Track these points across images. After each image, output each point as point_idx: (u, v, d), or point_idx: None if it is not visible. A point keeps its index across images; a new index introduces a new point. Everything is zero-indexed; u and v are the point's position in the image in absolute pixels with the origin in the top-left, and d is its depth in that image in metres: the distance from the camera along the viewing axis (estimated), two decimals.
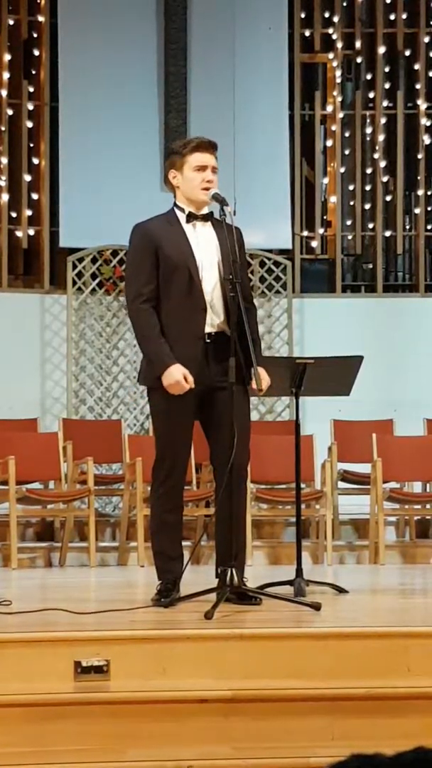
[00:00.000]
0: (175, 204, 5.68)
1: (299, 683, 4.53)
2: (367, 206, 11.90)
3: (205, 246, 5.60)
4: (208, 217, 5.67)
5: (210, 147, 5.65)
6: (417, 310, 11.59)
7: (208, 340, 5.55)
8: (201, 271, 5.55)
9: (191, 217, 5.63)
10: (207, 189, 5.59)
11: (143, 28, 11.34)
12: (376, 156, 11.85)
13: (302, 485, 6.83)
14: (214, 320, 5.56)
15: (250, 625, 4.98)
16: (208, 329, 5.55)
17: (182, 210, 5.65)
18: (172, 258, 5.53)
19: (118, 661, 4.52)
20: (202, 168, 5.61)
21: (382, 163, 11.84)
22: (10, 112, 11.38)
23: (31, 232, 11.44)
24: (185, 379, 5.45)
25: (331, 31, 11.93)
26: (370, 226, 11.87)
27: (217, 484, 5.63)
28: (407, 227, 11.92)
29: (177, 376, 5.45)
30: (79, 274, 11.15)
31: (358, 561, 9.45)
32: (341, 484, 9.97)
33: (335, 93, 11.90)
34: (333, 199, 11.91)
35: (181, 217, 5.64)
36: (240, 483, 5.57)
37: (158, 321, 5.53)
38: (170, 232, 5.59)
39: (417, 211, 11.87)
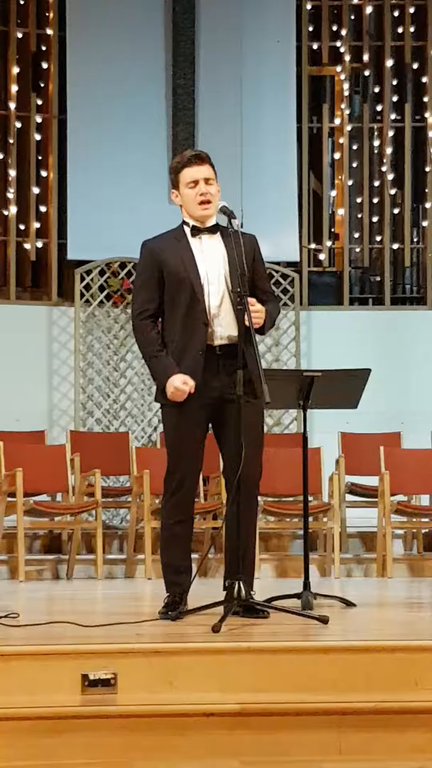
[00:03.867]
0: (183, 220, 5.71)
1: (306, 697, 4.52)
2: (375, 219, 11.90)
3: (211, 259, 5.61)
4: (215, 229, 5.67)
5: (199, 160, 5.63)
6: (425, 322, 11.58)
7: (220, 352, 5.56)
8: (206, 285, 5.57)
9: (196, 231, 5.65)
10: (204, 203, 5.60)
11: (151, 41, 11.36)
12: (383, 169, 11.85)
13: (310, 498, 6.82)
14: (222, 333, 5.57)
15: (258, 639, 4.97)
16: (217, 342, 5.57)
17: (188, 225, 5.67)
18: (175, 274, 5.57)
19: (126, 674, 4.51)
20: (194, 183, 5.61)
21: (390, 176, 11.85)
22: (18, 124, 11.40)
23: (39, 244, 11.45)
24: (186, 384, 5.49)
25: (338, 44, 11.94)
26: (378, 238, 11.88)
27: (228, 497, 5.63)
28: (415, 240, 11.92)
29: (175, 383, 5.51)
30: (87, 287, 11.16)
31: (365, 574, 9.43)
32: (349, 497, 9.95)
33: (343, 106, 11.91)
34: (340, 211, 11.91)
35: (188, 232, 5.66)
36: (250, 496, 5.57)
37: (159, 335, 5.63)
38: (176, 247, 5.61)
39: (425, 223, 11.87)
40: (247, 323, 5.44)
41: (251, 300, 5.50)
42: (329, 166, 12.00)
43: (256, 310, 5.50)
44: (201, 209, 5.60)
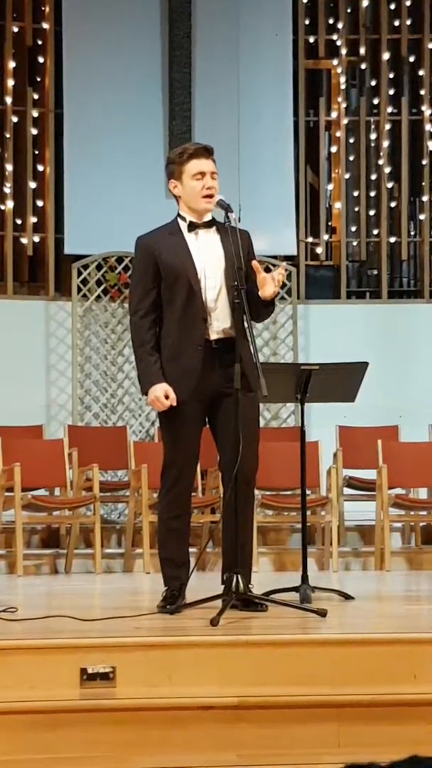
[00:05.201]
0: (178, 213, 5.69)
1: (305, 690, 4.52)
2: (372, 212, 11.90)
3: (207, 254, 5.60)
4: (211, 224, 5.67)
5: (207, 152, 5.63)
6: (422, 316, 11.58)
7: (216, 346, 5.56)
8: (203, 280, 5.57)
9: (193, 226, 5.64)
10: (208, 196, 5.59)
11: (147, 35, 11.35)
12: (380, 162, 11.85)
13: (307, 492, 6.83)
14: (219, 327, 5.58)
15: (256, 632, 4.98)
16: (214, 336, 5.57)
17: (184, 219, 5.66)
18: (172, 269, 5.56)
19: (124, 668, 4.52)
20: (201, 175, 5.60)
21: (387, 169, 11.84)
22: (14, 119, 11.39)
23: (36, 239, 11.44)
24: (167, 396, 5.51)
25: (335, 37, 11.93)
26: (375, 232, 11.87)
27: (225, 490, 5.63)
28: (412, 233, 11.92)
29: (157, 393, 5.53)
30: (84, 281, 11.15)
31: (363, 567, 9.43)
32: (347, 491, 9.96)
33: (340, 99, 11.91)
34: (338, 205, 11.91)
35: (183, 226, 5.65)
36: (247, 490, 5.57)
37: (155, 335, 5.62)
38: (171, 243, 5.60)
39: (422, 217, 11.87)
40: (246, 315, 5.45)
41: (283, 265, 5.50)
42: (326, 159, 12.00)
43: (281, 274, 5.50)
44: (205, 202, 5.59)
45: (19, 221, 11.39)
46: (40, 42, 11.58)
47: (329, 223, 11.95)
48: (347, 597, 6.23)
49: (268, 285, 5.50)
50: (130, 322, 5.73)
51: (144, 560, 8.94)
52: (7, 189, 11.29)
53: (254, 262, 5.53)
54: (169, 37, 11.33)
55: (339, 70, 11.93)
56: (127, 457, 9.68)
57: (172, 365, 5.59)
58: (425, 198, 11.83)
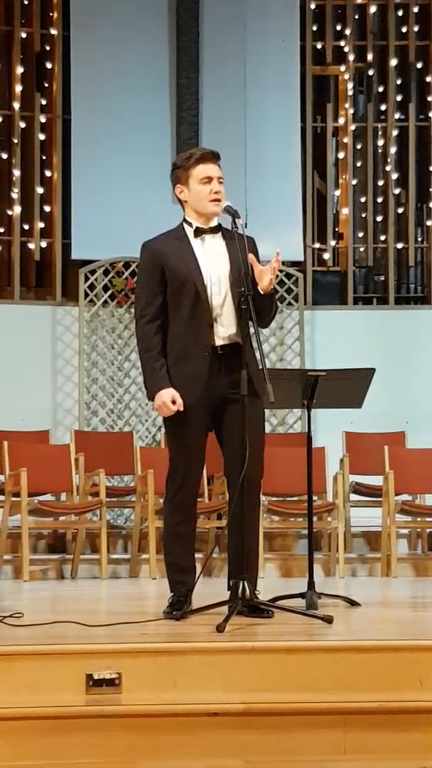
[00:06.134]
0: (184, 218, 5.70)
1: (311, 696, 4.52)
2: (379, 218, 11.90)
3: (213, 259, 5.61)
4: (217, 229, 5.67)
5: (213, 157, 5.64)
6: (429, 322, 11.57)
7: (221, 352, 5.56)
8: (209, 285, 5.57)
9: (199, 232, 5.64)
10: (216, 201, 5.60)
11: (155, 41, 11.36)
12: (387, 168, 11.85)
13: (314, 497, 6.83)
14: (224, 333, 5.57)
15: (262, 638, 4.97)
16: (219, 342, 5.57)
17: (190, 225, 5.66)
18: (178, 274, 5.56)
19: (130, 674, 4.52)
20: (208, 180, 5.61)
21: (394, 176, 11.84)
22: (22, 124, 11.40)
23: (44, 244, 11.45)
24: (174, 402, 5.51)
25: (342, 43, 11.94)
26: (382, 238, 11.87)
27: (230, 496, 5.63)
28: (419, 239, 11.92)
29: (164, 398, 5.53)
30: (91, 286, 11.16)
31: (370, 573, 9.43)
32: (353, 497, 9.95)
33: (347, 105, 11.91)
34: (345, 211, 11.91)
35: (189, 232, 5.65)
36: (252, 495, 5.57)
37: (161, 340, 5.61)
38: (177, 248, 5.60)
39: (429, 223, 11.86)
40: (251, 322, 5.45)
41: (277, 251, 5.51)
42: (333, 165, 12.00)
43: (274, 267, 5.50)
44: (212, 206, 5.60)
45: (26, 226, 11.40)
46: (47, 48, 11.60)
47: (336, 229, 11.95)
48: (353, 603, 6.23)
49: (265, 275, 5.51)
50: (136, 327, 5.73)
51: (150, 565, 8.95)
52: (15, 194, 11.30)
53: (250, 255, 5.52)
54: (176, 43, 11.34)
55: (346, 76, 11.93)
56: (134, 463, 9.68)
57: (177, 370, 5.59)
58: None
